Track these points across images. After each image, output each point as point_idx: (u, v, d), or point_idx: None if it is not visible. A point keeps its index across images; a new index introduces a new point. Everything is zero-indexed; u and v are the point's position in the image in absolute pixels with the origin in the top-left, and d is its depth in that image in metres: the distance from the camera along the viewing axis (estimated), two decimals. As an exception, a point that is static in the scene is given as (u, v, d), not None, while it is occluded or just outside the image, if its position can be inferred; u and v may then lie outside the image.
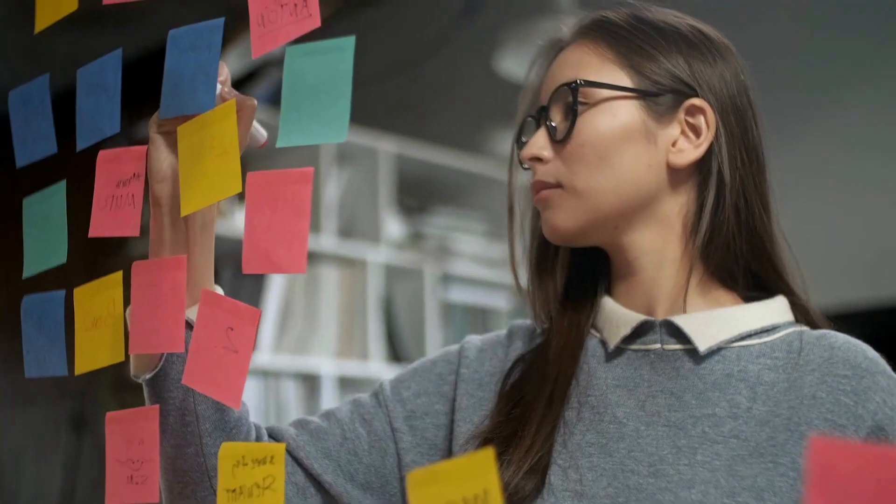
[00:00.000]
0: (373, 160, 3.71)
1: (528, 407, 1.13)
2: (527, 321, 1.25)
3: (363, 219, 3.72)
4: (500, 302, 4.12)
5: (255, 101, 1.05)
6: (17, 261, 1.13)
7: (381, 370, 3.57)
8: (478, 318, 4.06)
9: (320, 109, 0.89)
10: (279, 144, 0.91)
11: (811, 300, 1.18)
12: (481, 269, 3.98)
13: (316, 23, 0.91)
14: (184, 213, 0.97)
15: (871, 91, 3.66)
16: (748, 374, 1.09)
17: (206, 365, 0.94)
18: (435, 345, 3.78)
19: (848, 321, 1.18)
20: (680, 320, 1.11)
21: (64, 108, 1.15)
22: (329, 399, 3.44)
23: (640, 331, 1.13)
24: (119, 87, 1.06)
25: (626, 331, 1.13)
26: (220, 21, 0.99)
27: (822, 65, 3.69)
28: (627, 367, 1.13)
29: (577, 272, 1.22)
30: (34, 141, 1.14)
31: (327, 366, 3.45)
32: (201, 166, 0.97)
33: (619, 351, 1.15)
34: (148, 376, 1.06)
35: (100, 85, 1.08)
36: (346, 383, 3.54)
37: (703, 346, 1.10)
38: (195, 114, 1.00)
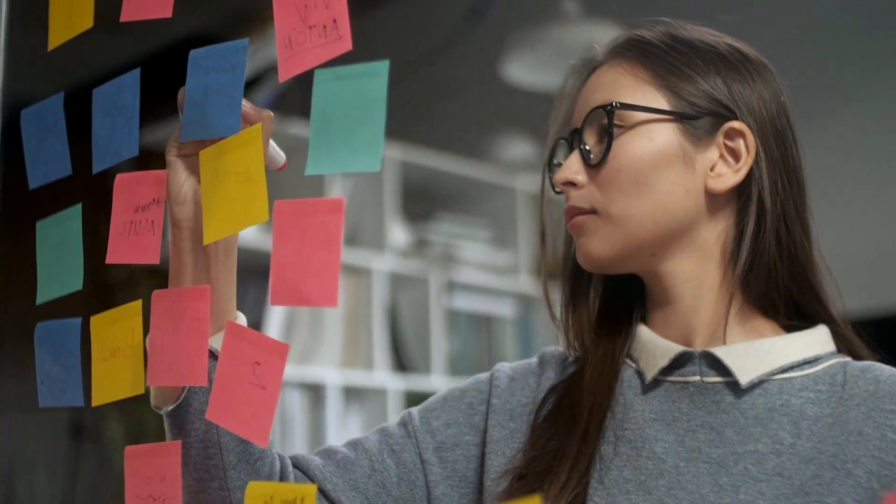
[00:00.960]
0: (377, 167, 3.67)
1: (563, 441, 1.09)
2: (558, 348, 1.21)
3: (368, 226, 3.69)
4: (505, 309, 4.09)
5: (272, 114, 1.01)
6: (28, 268, 1.10)
7: (386, 380, 3.53)
8: (483, 326, 4.03)
9: (351, 137, 0.85)
10: (308, 172, 0.88)
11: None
12: (486, 277, 3.95)
13: (347, 46, 0.87)
14: (207, 241, 0.94)
15: (873, 98, 3.63)
16: (791, 408, 1.05)
17: (232, 401, 0.90)
18: (440, 353, 3.75)
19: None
20: (720, 352, 1.07)
21: (71, 108, 1.11)
22: (334, 409, 3.40)
23: (679, 362, 1.10)
24: (137, 109, 1.02)
25: (663, 362, 1.10)
26: (244, 42, 0.95)
27: (827, 73, 3.66)
28: (665, 399, 1.10)
29: (611, 299, 1.18)
30: (47, 162, 1.11)
31: (332, 376, 3.41)
32: (225, 193, 0.94)
33: (656, 382, 1.11)
34: (170, 408, 1.03)
35: (117, 105, 1.04)
36: (352, 393, 3.51)
37: (744, 379, 1.06)
38: (218, 138, 0.96)
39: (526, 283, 4.07)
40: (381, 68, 0.85)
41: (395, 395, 3.54)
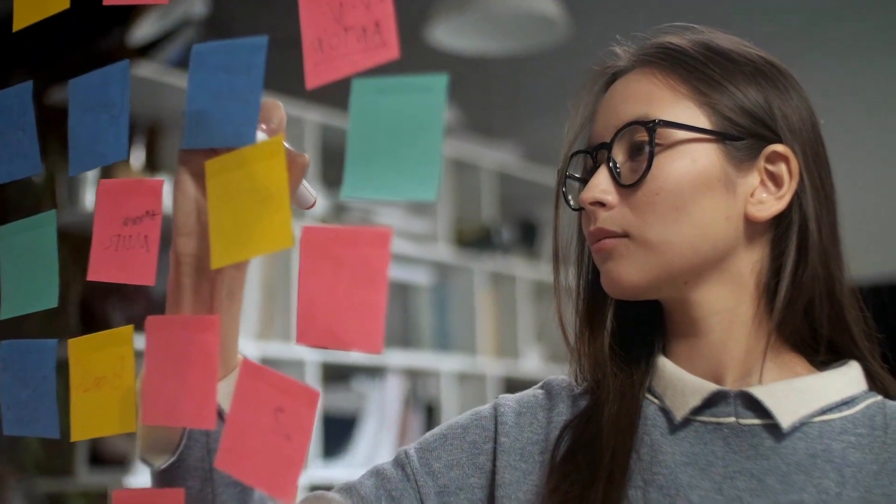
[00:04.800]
0: (298, 130, 3.54)
1: (587, 486, 1.00)
2: (564, 377, 1.11)
3: (285, 191, 3.55)
4: (421, 277, 4.01)
5: (308, 159, 0.90)
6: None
7: (303, 351, 3.42)
8: (399, 293, 3.94)
9: (401, 160, 0.75)
10: (344, 195, 0.78)
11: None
12: (404, 244, 3.85)
13: (392, 53, 0.77)
14: (215, 265, 0.82)
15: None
16: (833, 453, 0.97)
17: (248, 450, 0.80)
18: (357, 324, 3.64)
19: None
20: (758, 392, 0.98)
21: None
22: (250, 382, 3.28)
23: (711, 401, 1.01)
24: (127, 106, 0.90)
25: (695, 401, 1.00)
26: (264, 40, 0.83)
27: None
28: (696, 441, 1.00)
29: (628, 327, 1.08)
30: (11, 160, 0.98)
31: (248, 347, 3.29)
32: (239, 211, 0.82)
33: (684, 422, 1.02)
34: (164, 466, 0.91)
35: (101, 101, 0.92)
36: (268, 365, 3.37)
37: (786, 422, 0.97)
38: (228, 148, 0.85)
39: (443, 250, 3.99)
40: (439, 83, 0.74)
41: (312, 366, 3.44)
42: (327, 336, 0.76)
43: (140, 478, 2.97)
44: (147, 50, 3.36)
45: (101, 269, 0.91)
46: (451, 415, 3.95)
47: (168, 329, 0.86)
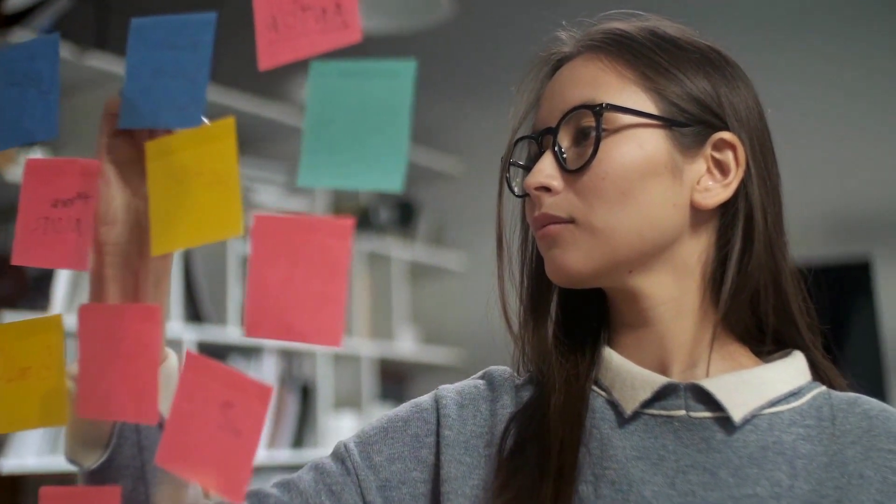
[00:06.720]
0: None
1: (536, 481, 0.97)
2: (506, 367, 1.09)
3: (161, 166, 3.47)
4: (297, 256, 3.96)
5: None
6: None
7: (179, 330, 3.35)
8: (275, 273, 3.88)
9: (363, 147, 0.72)
10: (301, 183, 0.75)
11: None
12: (282, 223, 3.79)
13: (354, 36, 0.74)
14: (156, 252, 0.79)
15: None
16: (784, 445, 0.96)
17: (192, 448, 0.76)
18: (235, 302, 3.58)
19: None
20: (709, 385, 0.97)
21: None
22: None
23: (660, 394, 0.99)
24: (57, 82, 0.86)
25: (645, 394, 0.99)
26: (212, 17, 0.80)
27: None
28: (646, 435, 0.99)
29: (572, 316, 1.07)
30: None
31: (123, 325, 3.20)
32: (183, 197, 0.78)
33: (634, 416, 1.00)
34: (94, 467, 0.87)
35: (28, 75, 0.87)
36: (142, 344, 3.31)
37: (737, 414, 0.96)
38: (168, 129, 0.81)
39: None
40: (407, 69, 0.72)
41: (189, 346, 3.37)
42: (282, 329, 0.73)
43: (13, 461, 2.87)
44: (21, 17, 3.24)
45: (27, 253, 0.86)
46: (327, 395, 3.92)
47: (104, 318, 0.82)
